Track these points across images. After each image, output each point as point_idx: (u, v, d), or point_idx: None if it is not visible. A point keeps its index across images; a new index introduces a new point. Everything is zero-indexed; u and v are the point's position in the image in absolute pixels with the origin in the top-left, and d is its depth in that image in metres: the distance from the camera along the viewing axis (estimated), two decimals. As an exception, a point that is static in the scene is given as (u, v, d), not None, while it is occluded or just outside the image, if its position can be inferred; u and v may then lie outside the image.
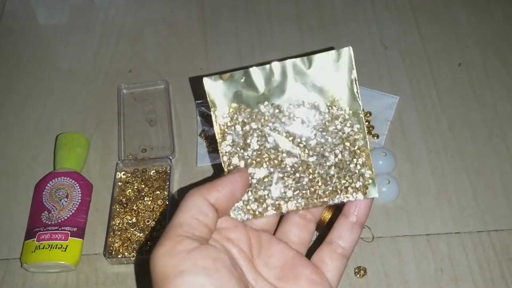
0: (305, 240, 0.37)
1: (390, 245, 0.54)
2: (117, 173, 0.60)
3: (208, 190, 0.33)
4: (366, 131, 0.36)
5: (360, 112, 0.36)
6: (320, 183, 0.36)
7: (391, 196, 0.57)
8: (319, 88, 0.36)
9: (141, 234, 0.55)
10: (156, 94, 0.67)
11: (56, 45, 0.74)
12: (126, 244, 0.55)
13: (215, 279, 0.29)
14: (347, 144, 0.36)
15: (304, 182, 0.36)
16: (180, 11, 0.76)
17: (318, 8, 0.74)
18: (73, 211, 0.55)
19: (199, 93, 0.67)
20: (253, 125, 0.36)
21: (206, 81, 0.36)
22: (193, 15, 0.75)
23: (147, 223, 0.56)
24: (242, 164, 0.36)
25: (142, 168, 0.60)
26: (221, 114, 0.36)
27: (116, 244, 0.55)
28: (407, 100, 0.64)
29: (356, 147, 0.36)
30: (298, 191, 0.36)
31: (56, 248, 0.53)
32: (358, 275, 0.52)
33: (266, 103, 0.36)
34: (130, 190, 0.58)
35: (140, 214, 0.57)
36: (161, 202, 0.57)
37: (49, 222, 0.54)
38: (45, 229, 0.54)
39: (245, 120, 0.36)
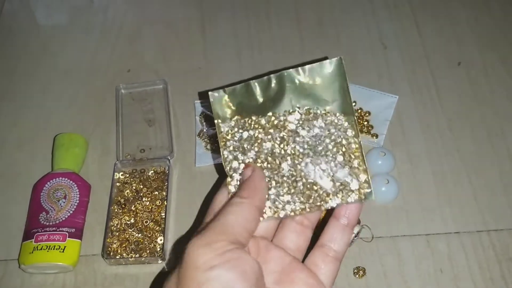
0: (302, 247, 0.38)
1: (389, 245, 0.54)
2: (115, 173, 0.59)
3: (254, 195, 0.35)
4: (360, 136, 0.38)
5: (353, 118, 0.38)
6: (315, 188, 0.37)
7: (391, 196, 0.56)
8: (313, 96, 0.38)
9: (139, 235, 0.55)
10: (154, 94, 0.66)
11: (55, 45, 0.74)
12: (124, 245, 0.55)
13: (243, 279, 0.30)
14: (342, 149, 0.37)
15: (301, 187, 0.37)
16: (179, 10, 0.76)
17: (317, 7, 0.74)
18: (71, 212, 0.55)
19: (197, 93, 0.66)
20: (252, 133, 0.38)
21: (211, 95, 0.39)
22: (192, 14, 0.75)
23: (145, 224, 0.56)
24: (242, 168, 0.37)
25: (140, 168, 0.60)
26: (224, 123, 0.39)
27: (114, 245, 0.55)
28: (406, 100, 0.64)
29: (351, 152, 0.37)
30: (294, 195, 0.37)
31: (54, 249, 0.53)
32: (357, 275, 0.52)
33: (264, 111, 0.38)
34: (128, 191, 0.58)
35: (139, 214, 0.57)
36: (159, 202, 0.57)
37: (47, 223, 0.54)
38: (43, 230, 0.54)
39: (245, 128, 0.38)
